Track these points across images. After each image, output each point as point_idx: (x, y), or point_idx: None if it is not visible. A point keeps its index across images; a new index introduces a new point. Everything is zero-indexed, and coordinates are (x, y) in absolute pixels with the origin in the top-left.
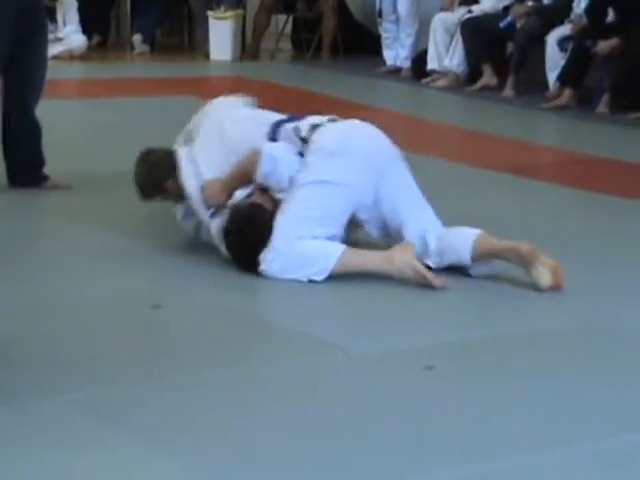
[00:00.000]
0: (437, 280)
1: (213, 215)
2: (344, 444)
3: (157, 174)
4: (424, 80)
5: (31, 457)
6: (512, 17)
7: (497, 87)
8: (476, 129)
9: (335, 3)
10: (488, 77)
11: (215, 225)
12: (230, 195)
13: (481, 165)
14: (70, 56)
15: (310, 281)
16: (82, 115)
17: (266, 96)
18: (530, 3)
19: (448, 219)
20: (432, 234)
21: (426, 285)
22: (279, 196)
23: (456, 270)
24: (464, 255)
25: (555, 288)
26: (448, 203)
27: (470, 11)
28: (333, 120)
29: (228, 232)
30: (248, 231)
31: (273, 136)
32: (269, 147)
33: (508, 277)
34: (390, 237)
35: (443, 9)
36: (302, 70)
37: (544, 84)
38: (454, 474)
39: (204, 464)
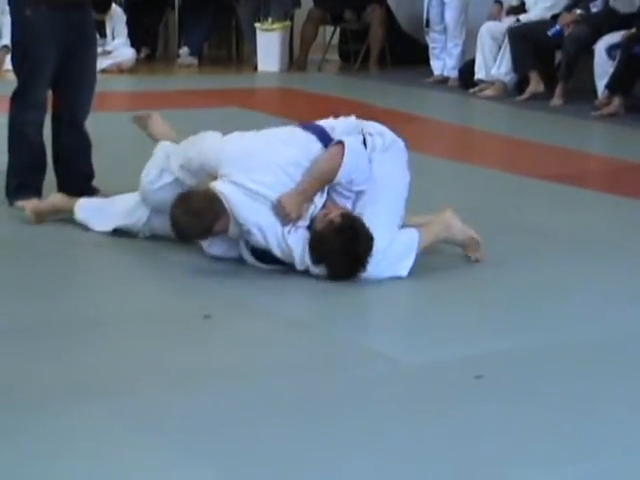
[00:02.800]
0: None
1: (290, 232)
2: (394, 453)
3: (204, 222)
4: (472, 90)
5: (65, 466)
6: (560, 25)
7: (545, 96)
8: (524, 138)
9: (382, 14)
10: (535, 84)
11: (294, 240)
12: (307, 204)
13: (529, 174)
14: (119, 69)
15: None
16: (131, 128)
17: (314, 107)
18: (578, 11)
19: (498, 228)
20: None
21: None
22: (358, 188)
23: (499, 278)
24: None
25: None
26: (497, 213)
27: (518, 20)
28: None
29: (331, 254)
30: (351, 250)
31: (325, 139)
32: (347, 142)
33: (553, 284)
34: None
35: (490, 18)
36: (350, 81)
37: (593, 92)
38: None
39: (243, 471)
